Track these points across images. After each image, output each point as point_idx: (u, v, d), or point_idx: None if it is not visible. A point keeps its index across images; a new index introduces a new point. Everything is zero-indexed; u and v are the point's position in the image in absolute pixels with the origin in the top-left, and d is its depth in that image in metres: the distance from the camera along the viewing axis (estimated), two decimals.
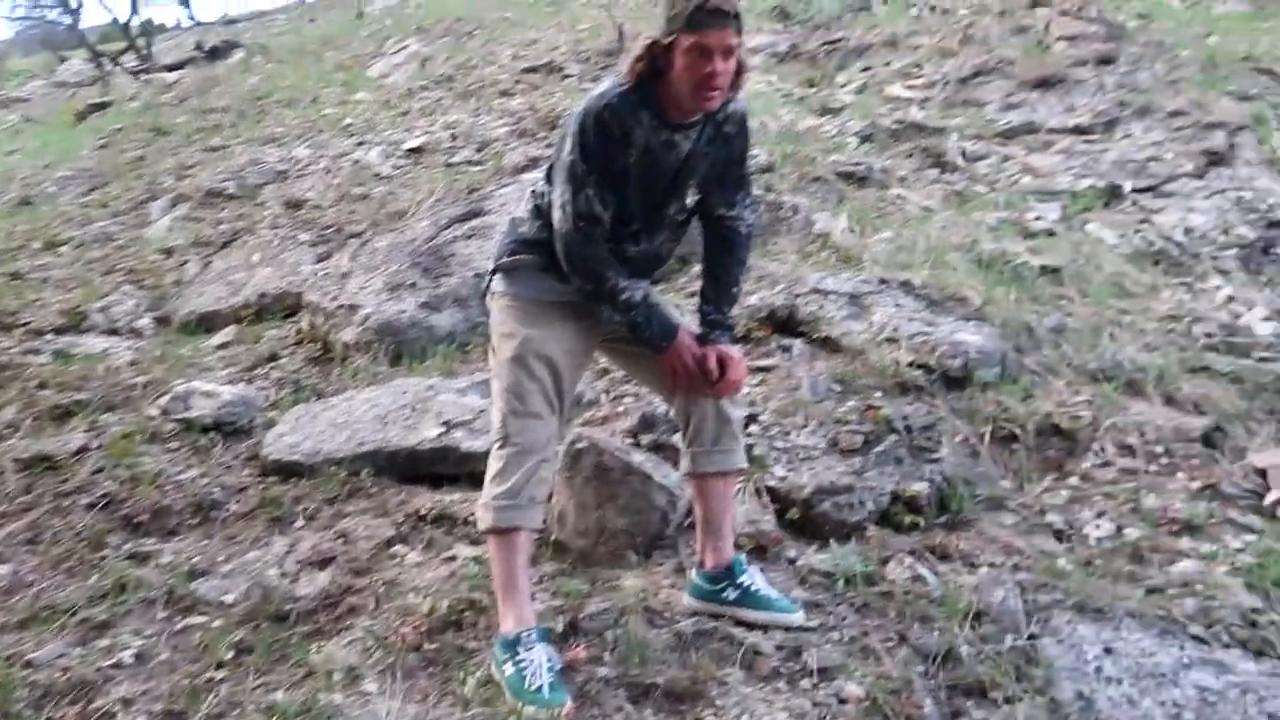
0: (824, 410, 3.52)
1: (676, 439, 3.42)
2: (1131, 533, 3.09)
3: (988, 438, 3.52)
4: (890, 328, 3.93)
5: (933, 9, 9.40)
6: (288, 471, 3.66)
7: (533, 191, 2.57)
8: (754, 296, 4.30)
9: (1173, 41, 7.76)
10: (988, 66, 7.73)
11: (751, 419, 3.48)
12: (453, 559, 3.07)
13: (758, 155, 5.91)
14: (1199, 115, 6.37)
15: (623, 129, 2.31)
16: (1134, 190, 5.73)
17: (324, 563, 3.10)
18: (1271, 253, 5.22)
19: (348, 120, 8.85)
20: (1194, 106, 6.49)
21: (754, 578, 2.65)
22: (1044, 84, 7.30)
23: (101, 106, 12.99)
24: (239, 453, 3.92)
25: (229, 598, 2.96)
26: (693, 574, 2.73)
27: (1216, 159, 5.92)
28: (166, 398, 4.20)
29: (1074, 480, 3.42)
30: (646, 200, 2.44)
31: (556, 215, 2.39)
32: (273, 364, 4.85)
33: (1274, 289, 4.80)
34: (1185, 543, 3.04)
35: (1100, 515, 3.21)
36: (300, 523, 3.37)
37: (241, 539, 3.32)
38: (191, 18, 31.49)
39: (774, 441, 3.38)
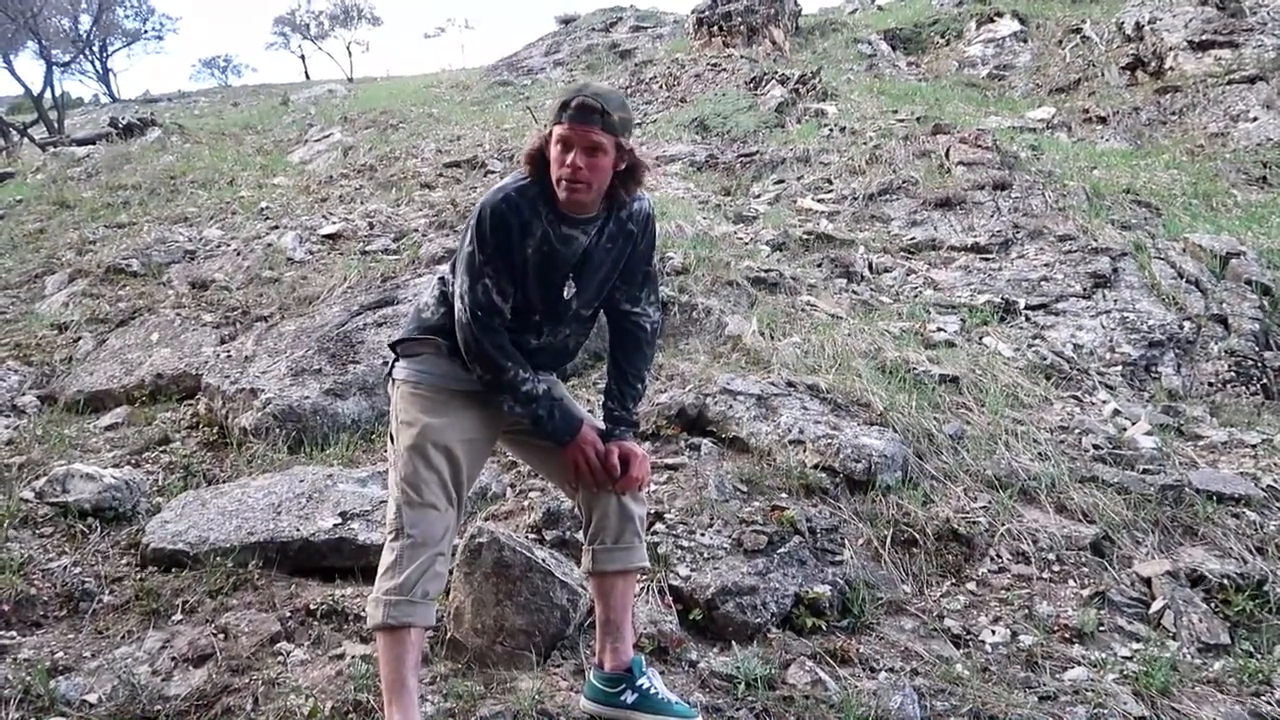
0: (729, 510, 3.52)
1: (581, 535, 3.39)
2: (1026, 639, 3.14)
3: (889, 541, 3.56)
4: (796, 430, 3.99)
5: (842, 130, 9.90)
6: (169, 561, 3.47)
7: (440, 279, 2.57)
8: (664, 395, 4.33)
9: (1061, 172, 8.31)
10: (893, 185, 8.14)
11: (657, 517, 3.46)
12: (341, 657, 2.92)
13: (673, 258, 6.05)
14: (1086, 240, 6.80)
15: (520, 221, 2.34)
16: (1027, 307, 6.03)
17: (201, 659, 2.92)
18: (1153, 371, 5.52)
19: (264, 204, 8.76)
20: (1081, 232, 6.93)
21: (653, 680, 2.59)
22: (945, 204, 7.71)
23: (4, 178, 12.60)
24: (118, 540, 3.70)
25: (92, 697, 2.75)
26: (590, 675, 2.65)
27: (1102, 281, 6.30)
28: (43, 480, 3.97)
29: (971, 585, 3.47)
30: (546, 293, 2.44)
31: (457, 305, 2.39)
32: (163, 448, 4.65)
33: (1156, 405, 5.06)
34: (1076, 650, 3.10)
35: (996, 621, 3.26)
36: (178, 616, 3.18)
37: (112, 633, 3.11)
38: (110, 94, 31.16)
39: (679, 540, 3.36)
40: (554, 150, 2.30)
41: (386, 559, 2.38)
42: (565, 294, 2.46)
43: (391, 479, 2.45)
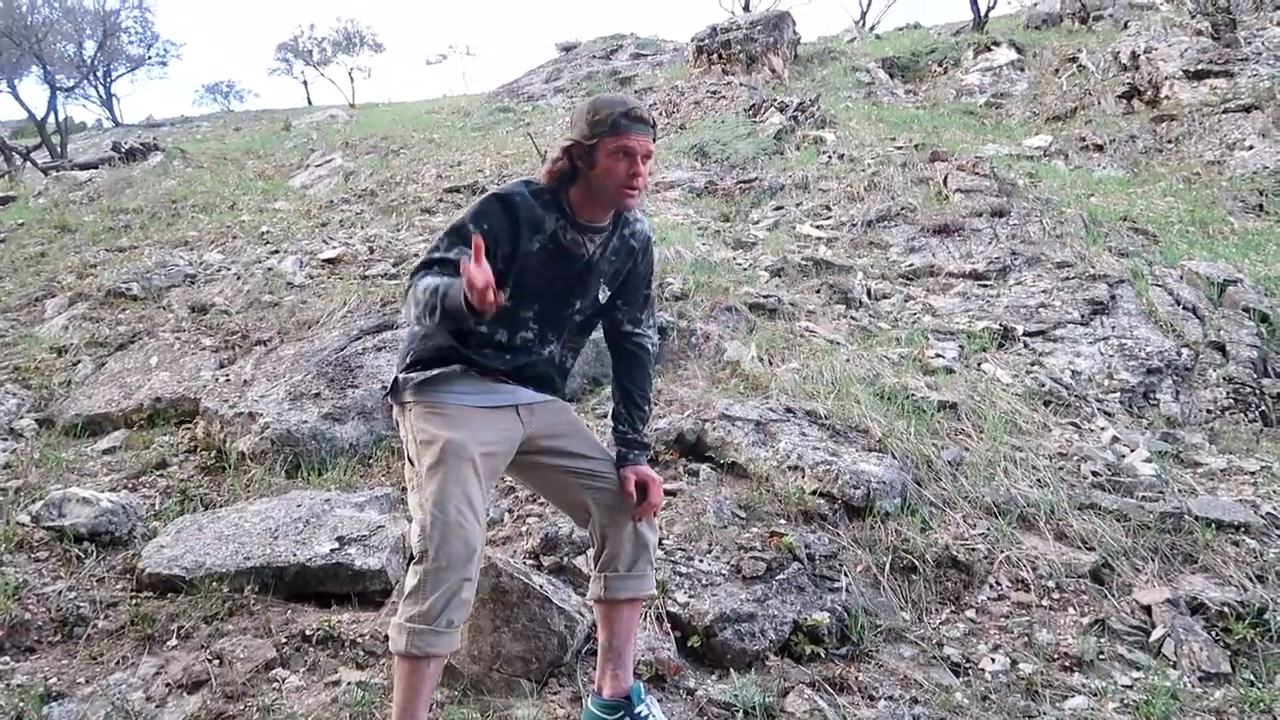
0: (728, 536, 3.51)
1: (580, 561, 3.38)
2: (1025, 667, 3.12)
3: (888, 568, 3.55)
4: (795, 456, 3.99)
5: (841, 157, 9.96)
6: (165, 586, 3.45)
7: None
8: (663, 420, 4.33)
9: (1058, 200, 8.36)
10: (892, 212, 8.18)
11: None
12: (337, 684, 2.90)
13: (672, 283, 6.06)
14: (1083, 267, 6.82)
15: (533, 215, 2.36)
16: (1025, 334, 6.04)
17: (195, 686, 2.90)
18: (1151, 398, 5.52)
19: (264, 228, 8.80)
20: (1078, 259, 6.96)
21: (651, 708, 2.57)
22: (943, 231, 7.75)
23: (6, 201, 12.65)
24: (114, 565, 3.68)
25: None
26: (588, 702, 2.63)
27: (1100, 308, 6.31)
28: (39, 504, 3.95)
29: (971, 613, 3.46)
30: (550, 290, 2.44)
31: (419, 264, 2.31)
32: (161, 472, 4.64)
33: (1154, 432, 5.06)
34: (1077, 679, 3.09)
35: (996, 649, 3.24)
36: (173, 642, 3.16)
37: (106, 659, 3.09)
38: (113, 118, 31.35)
39: (677, 566, 3.35)
40: (610, 159, 2.33)
41: (410, 582, 2.30)
42: (569, 297, 2.47)
43: (413, 501, 2.39)
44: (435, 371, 2.42)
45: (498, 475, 2.58)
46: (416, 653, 2.27)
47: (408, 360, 2.49)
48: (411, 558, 2.35)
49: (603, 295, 2.55)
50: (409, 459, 2.44)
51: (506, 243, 2.34)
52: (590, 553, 2.68)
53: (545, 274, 2.41)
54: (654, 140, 2.40)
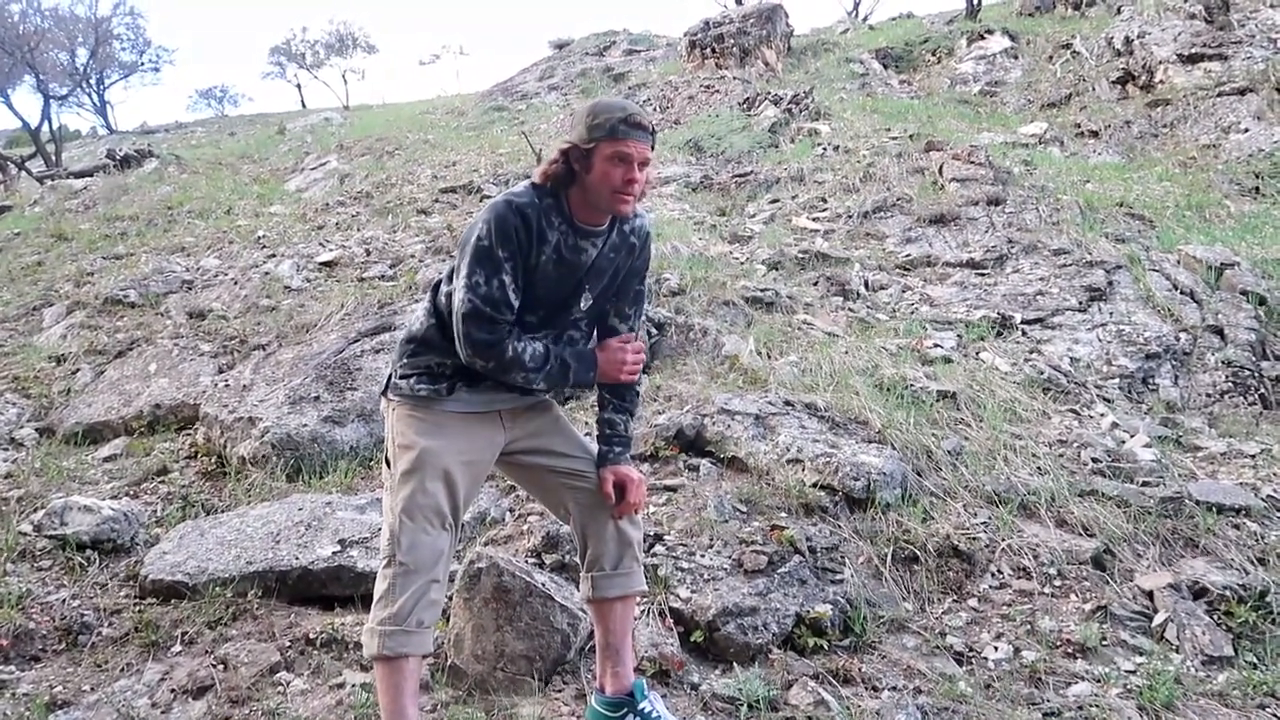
0: (729, 530, 3.52)
1: (579, 560, 3.38)
2: (1029, 655, 3.13)
3: (890, 559, 3.55)
4: (795, 449, 3.99)
5: (836, 148, 9.96)
6: (168, 592, 3.46)
7: (431, 293, 2.52)
8: (662, 416, 4.33)
9: (1054, 187, 8.36)
10: (888, 203, 8.18)
11: (656, 539, 3.46)
12: (341, 686, 2.91)
13: (670, 278, 6.07)
14: (1080, 254, 6.82)
15: (539, 227, 2.34)
16: (1023, 322, 6.05)
17: (200, 691, 2.90)
18: (1150, 383, 5.52)
19: (261, 232, 8.80)
20: (1075, 246, 6.95)
21: (655, 704, 2.57)
22: (939, 221, 7.75)
23: (2, 211, 12.64)
24: (116, 572, 3.70)
25: None
26: (592, 700, 2.64)
27: (1097, 295, 6.31)
28: (41, 513, 3.96)
29: (973, 601, 3.46)
30: (554, 297, 2.44)
31: (460, 296, 2.32)
32: (162, 478, 4.64)
33: (1154, 417, 5.06)
34: (1080, 665, 3.09)
35: (999, 637, 3.24)
36: (178, 648, 3.17)
37: (111, 666, 3.10)
38: (107, 126, 31.32)
39: (679, 562, 3.35)
40: (606, 164, 2.32)
41: (380, 586, 2.35)
42: (581, 304, 2.47)
43: (386, 503, 2.42)
44: (425, 393, 2.43)
45: (482, 479, 2.60)
46: (389, 654, 2.29)
47: (402, 364, 2.49)
48: (381, 561, 2.37)
49: (600, 294, 2.54)
50: (387, 459, 2.47)
51: (523, 257, 2.33)
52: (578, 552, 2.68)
53: (550, 282, 2.41)
54: (652, 147, 2.39)
